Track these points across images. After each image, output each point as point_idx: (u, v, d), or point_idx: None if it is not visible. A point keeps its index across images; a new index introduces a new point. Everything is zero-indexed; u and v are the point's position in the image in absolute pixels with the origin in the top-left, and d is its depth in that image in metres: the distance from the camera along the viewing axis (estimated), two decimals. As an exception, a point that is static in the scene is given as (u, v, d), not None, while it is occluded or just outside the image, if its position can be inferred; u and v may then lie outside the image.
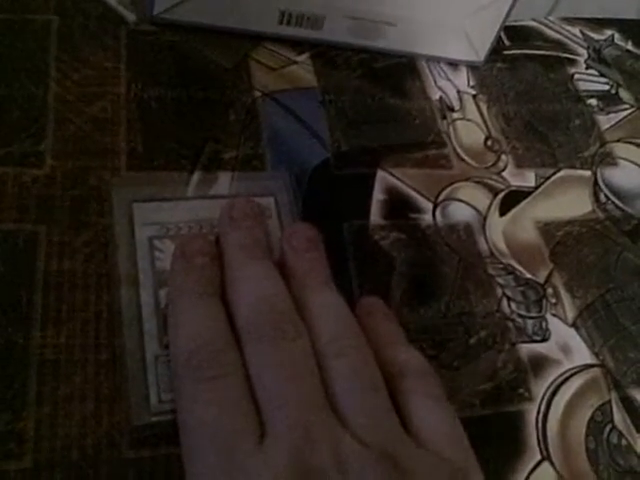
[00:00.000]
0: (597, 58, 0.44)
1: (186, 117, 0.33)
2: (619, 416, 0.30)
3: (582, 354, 0.31)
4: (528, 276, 0.33)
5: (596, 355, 0.32)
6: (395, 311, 0.30)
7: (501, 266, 0.33)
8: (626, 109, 0.42)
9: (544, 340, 0.31)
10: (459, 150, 0.37)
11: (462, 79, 0.40)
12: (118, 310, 0.27)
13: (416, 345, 0.29)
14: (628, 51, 0.46)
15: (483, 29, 0.39)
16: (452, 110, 0.38)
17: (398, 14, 0.37)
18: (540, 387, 0.30)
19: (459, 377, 0.29)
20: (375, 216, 0.33)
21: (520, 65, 0.42)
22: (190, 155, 0.32)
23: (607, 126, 0.41)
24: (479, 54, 0.40)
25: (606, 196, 0.37)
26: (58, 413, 0.24)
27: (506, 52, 0.42)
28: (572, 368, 0.31)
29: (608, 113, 0.41)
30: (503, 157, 0.37)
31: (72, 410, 0.25)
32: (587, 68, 0.43)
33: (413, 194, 0.34)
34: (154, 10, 0.35)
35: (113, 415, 0.25)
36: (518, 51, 0.43)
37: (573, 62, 0.43)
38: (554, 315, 0.32)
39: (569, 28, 0.45)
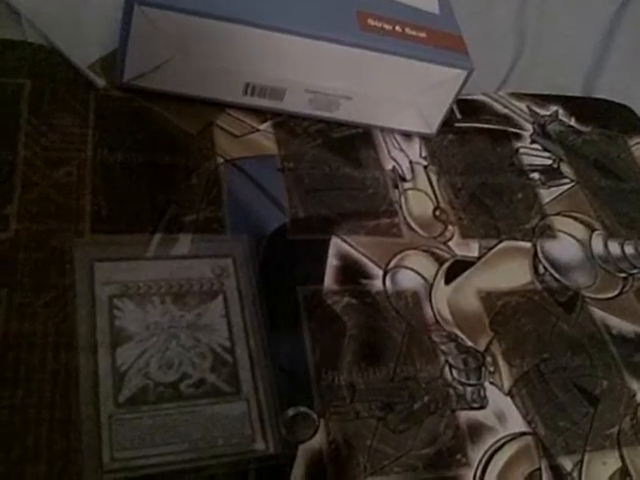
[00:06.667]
0: (542, 133, 0.47)
1: (150, 181, 0.35)
2: (548, 483, 0.32)
3: (516, 422, 0.33)
4: (469, 344, 0.35)
5: (529, 423, 0.33)
6: (346, 372, 0.32)
7: (444, 334, 0.35)
8: (566, 183, 0.45)
9: (482, 407, 0.33)
10: (409, 219, 0.39)
11: (415, 150, 0.42)
12: (75, 369, 0.28)
13: (365, 405, 0.31)
14: (571, 127, 0.49)
15: (435, 104, 0.41)
16: (404, 180, 0.41)
17: (354, 90, 0.39)
18: (477, 453, 0.32)
19: (404, 440, 0.31)
20: (329, 281, 0.35)
21: (469, 138, 0.45)
22: (152, 217, 0.33)
23: (548, 199, 0.43)
24: (431, 127, 0.43)
25: (544, 268, 0.39)
26: (10, 475, 0.25)
27: (457, 124, 0.45)
28: (506, 435, 0.33)
29: (549, 187, 0.44)
30: (450, 227, 0.39)
31: (24, 472, 0.25)
32: (532, 142, 0.46)
33: (365, 261, 0.36)
34: (124, 77, 0.37)
35: (66, 475, 0.26)
36: (468, 124, 0.45)
37: (519, 136, 0.46)
38: (492, 383, 0.34)
39: (517, 103, 0.48)
